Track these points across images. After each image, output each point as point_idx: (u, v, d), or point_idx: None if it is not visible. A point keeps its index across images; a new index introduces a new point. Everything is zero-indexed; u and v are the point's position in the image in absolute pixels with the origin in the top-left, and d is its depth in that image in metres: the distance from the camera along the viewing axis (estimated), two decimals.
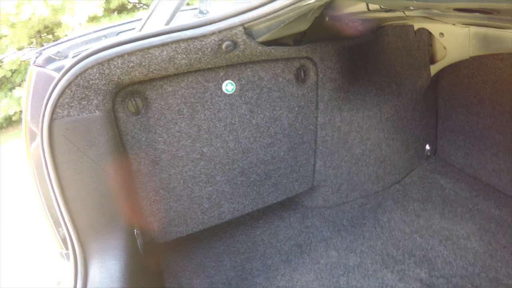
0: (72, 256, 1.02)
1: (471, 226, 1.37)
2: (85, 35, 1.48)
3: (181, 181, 1.21)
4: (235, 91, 1.19)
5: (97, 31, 1.54)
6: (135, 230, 1.13)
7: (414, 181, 1.66)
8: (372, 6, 1.14)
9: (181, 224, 1.27)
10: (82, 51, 1.10)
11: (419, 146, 1.72)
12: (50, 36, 6.53)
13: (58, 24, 5.98)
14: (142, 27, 1.23)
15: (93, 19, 5.94)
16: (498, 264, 1.21)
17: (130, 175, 1.13)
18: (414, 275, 1.22)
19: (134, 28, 1.41)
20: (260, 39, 1.08)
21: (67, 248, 1.12)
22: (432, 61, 1.53)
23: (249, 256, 1.34)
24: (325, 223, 1.48)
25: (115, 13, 6.65)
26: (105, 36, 1.48)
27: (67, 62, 0.94)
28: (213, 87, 1.15)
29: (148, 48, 0.96)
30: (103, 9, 5.99)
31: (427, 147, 1.76)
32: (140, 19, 1.29)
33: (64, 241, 1.23)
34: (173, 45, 0.98)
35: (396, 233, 1.39)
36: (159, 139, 1.14)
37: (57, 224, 1.21)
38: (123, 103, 1.06)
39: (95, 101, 0.96)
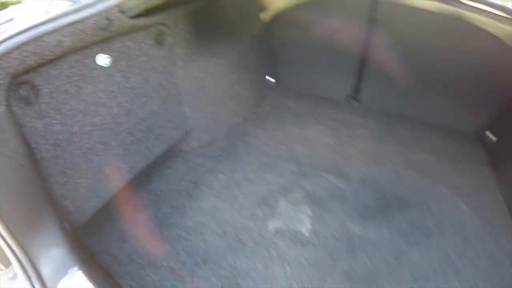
0: (16, 262, 1.01)
1: (317, 127, 2.00)
2: None
3: (82, 156, 1.27)
4: (109, 63, 1.29)
5: None
6: (62, 217, 1.16)
7: (267, 108, 2.16)
8: None
9: (93, 198, 1.34)
10: None
11: (265, 80, 2.28)
12: None
13: None
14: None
15: None
16: (343, 146, 1.88)
17: (37, 164, 1.14)
18: (287, 170, 1.71)
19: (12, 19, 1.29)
20: (129, 14, 1.24)
21: (6, 265, 1.10)
22: (263, 9, 2.02)
23: (157, 206, 1.53)
24: (206, 158, 1.78)
25: None
26: None
27: None
28: (91, 63, 1.23)
29: (42, 36, 0.99)
30: None
31: (271, 79, 2.34)
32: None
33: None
34: (63, 30, 1.04)
35: (263, 147, 1.86)
36: (54, 121, 1.16)
37: None
38: (15, 94, 1.06)
39: None
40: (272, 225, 1.48)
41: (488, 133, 1.96)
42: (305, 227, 1.47)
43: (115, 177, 1.42)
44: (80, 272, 1.05)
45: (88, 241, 1.32)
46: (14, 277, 1.19)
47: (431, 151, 1.90)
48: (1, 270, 1.18)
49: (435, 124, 2.09)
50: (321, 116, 2.12)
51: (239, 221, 1.50)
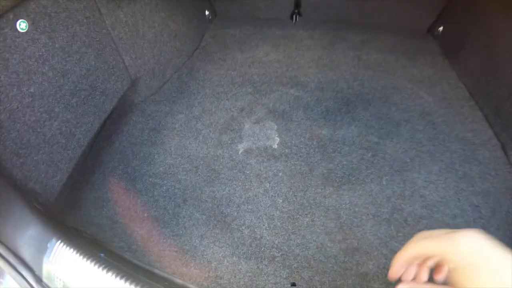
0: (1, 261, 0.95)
1: (265, 47, 1.91)
2: None
3: (30, 131, 1.14)
4: (29, 27, 1.13)
5: None
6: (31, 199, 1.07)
7: (210, 41, 2.03)
8: None
9: (56, 172, 1.23)
10: None
11: (201, 14, 2.09)
12: None
13: None
14: None
15: None
16: (295, 59, 1.82)
17: None
18: (244, 93, 1.66)
19: None
20: None
21: None
22: None
23: (124, 163, 1.43)
24: (161, 104, 1.67)
25: None
26: None
27: None
28: (9, 31, 1.08)
29: None
30: None
31: (207, 13, 2.16)
32: None
33: None
34: None
35: (215, 78, 1.76)
36: None
37: None
38: None
39: None
40: (241, 147, 1.41)
41: (436, 26, 1.94)
42: (274, 141, 1.41)
43: (73, 144, 1.31)
44: (60, 241, 0.97)
45: (67, 216, 1.26)
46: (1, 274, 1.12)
47: (384, 49, 1.86)
48: None
49: (383, 25, 2.05)
50: (266, 37, 2.02)
51: (208, 151, 1.42)
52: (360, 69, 1.73)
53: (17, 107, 1.12)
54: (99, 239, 1.21)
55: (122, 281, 0.85)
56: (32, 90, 1.16)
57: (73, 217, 1.28)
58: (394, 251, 1.08)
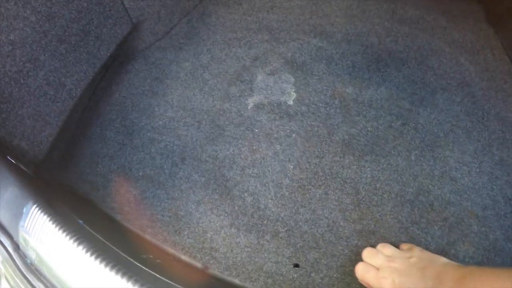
0: None
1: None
2: None
3: (12, 83, 0.98)
4: None
5: None
6: (7, 157, 0.94)
7: None
8: None
9: (44, 126, 1.07)
10: None
11: None
12: None
13: None
14: None
15: None
16: (320, 6, 1.58)
17: None
18: (259, 41, 1.45)
19: None
20: None
21: None
22: None
23: (123, 115, 1.26)
24: (166, 50, 1.47)
25: None
26: None
27: None
28: None
29: None
30: None
31: None
32: None
33: None
34: None
35: (227, 22, 1.55)
36: None
37: None
38: None
39: None
40: (252, 101, 1.22)
41: None
42: (290, 96, 1.22)
43: (63, 95, 1.14)
44: (35, 206, 0.85)
45: (60, 173, 1.13)
46: None
47: (422, 6, 1.62)
48: None
49: None
50: None
51: (213, 105, 1.24)
52: (394, 24, 1.50)
53: None
54: (91, 199, 1.08)
55: (92, 258, 0.73)
56: (11, 37, 0.99)
57: (67, 173, 1.15)
58: (414, 240, 0.95)
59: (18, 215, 0.85)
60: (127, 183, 1.11)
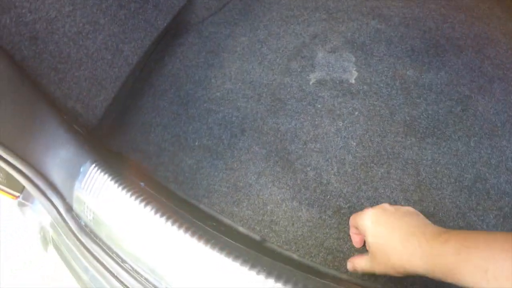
0: (23, 180, 0.84)
1: None
2: None
3: (71, 43, 0.98)
4: None
5: None
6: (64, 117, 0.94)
7: None
8: None
9: (100, 91, 1.08)
10: None
11: None
12: None
13: None
14: None
15: None
16: None
17: (20, 66, 0.88)
18: (317, 19, 1.46)
19: None
20: None
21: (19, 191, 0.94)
22: None
23: (177, 86, 1.28)
24: (220, 25, 1.47)
25: None
26: None
27: None
28: None
29: None
30: None
31: None
32: None
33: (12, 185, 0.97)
34: None
35: (282, 0, 1.56)
36: (23, 11, 0.87)
37: None
38: None
39: None
40: (313, 77, 1.23)
41: None
42: (352, 75, 1.23)
43: (120, 61, 1.14)
44: (94, 165, 0.84)
45: (111, 140, 1.14)
46: (28, 199, 1.03)
47: None
48: (16, 197, 1.03)
49: None
50: None
51: (274, 78, 1.24)
52: (450, 11, 1.49)
53: (56, 16, 0.96)
54: (143, 167, 1.09)
55: (163, 219, 0.72)
56: None
57: (117, 142, 1.15)
58: (471, 226, 0.95)
59: (74, 175, 0.85)
60: (182, 152, 1.11)
